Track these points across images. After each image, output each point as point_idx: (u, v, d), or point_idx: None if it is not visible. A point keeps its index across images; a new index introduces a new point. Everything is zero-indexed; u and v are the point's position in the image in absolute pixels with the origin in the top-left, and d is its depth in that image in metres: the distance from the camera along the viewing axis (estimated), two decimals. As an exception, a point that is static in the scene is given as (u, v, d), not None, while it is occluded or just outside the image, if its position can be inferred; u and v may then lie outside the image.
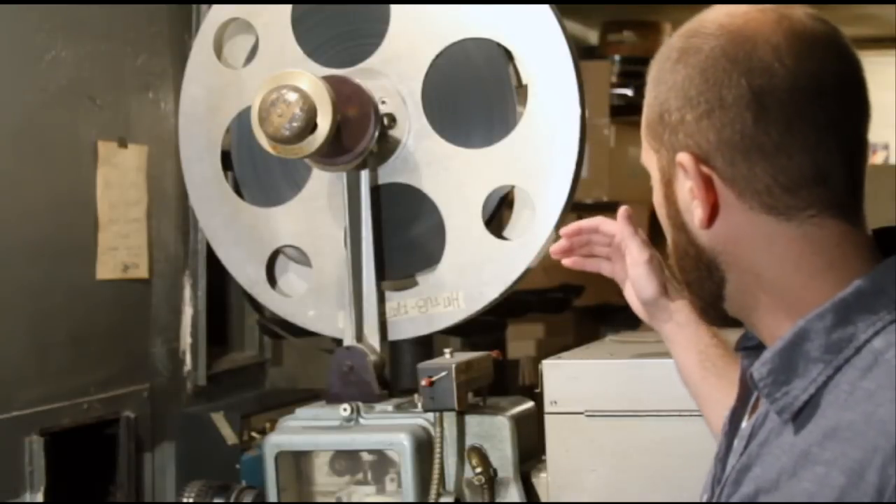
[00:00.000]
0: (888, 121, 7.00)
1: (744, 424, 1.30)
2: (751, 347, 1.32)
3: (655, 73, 1.26)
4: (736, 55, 1.18)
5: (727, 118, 1.18)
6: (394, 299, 2.17)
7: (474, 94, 2.11)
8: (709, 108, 1.19)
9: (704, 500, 1.34)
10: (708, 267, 1.24)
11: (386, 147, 2.13)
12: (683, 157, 1.20)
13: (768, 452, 1.18)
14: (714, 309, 1.28)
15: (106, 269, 2.42)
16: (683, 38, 1.23)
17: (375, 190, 2.13)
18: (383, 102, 2.13)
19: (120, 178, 2.45)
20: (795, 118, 1.17)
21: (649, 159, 1.28)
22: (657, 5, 5.51)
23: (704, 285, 1.26)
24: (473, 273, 2.11)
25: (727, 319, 1.30)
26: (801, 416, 1.15)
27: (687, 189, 1.22)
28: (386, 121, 2.12)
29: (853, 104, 1.20)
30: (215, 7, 2.28)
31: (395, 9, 2.14)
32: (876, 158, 8.45)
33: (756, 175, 1.19)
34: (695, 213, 1.21)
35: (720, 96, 1.19)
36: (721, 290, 1.25)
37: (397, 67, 2.14)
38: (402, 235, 2.15)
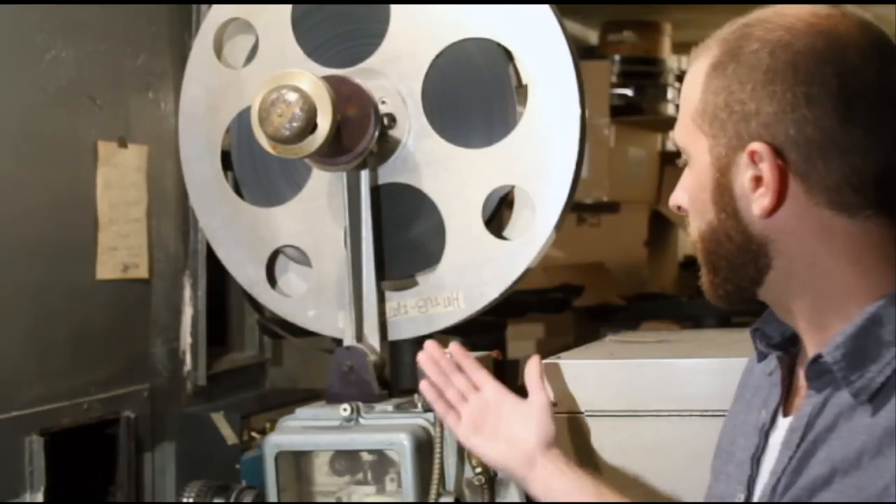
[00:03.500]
0: (888, 121, 6.99)
1: (782, 420, 1.31)
2: (777, 345, 1.35)
3: (721, 57, 1.26)
4: (829, 56, 1.21)
5: (812, 115, 1.21)
6: (394, 299, 2.16)
7: (474, 94, 2.11)
8: (794, 103, 1.21)
9: (741, 500, 1.34)
10: (755, 254, 1.26)
11: (386, 147, 2.13)
12: (760, 147, 1.22)
13: (838, 436, 1.20)
14: (741, 293, 1.30)
15: (106, 269, 2.42)
16: (764, 30, 1.24)
17: (375, 190, 2.13)
18: (383, 102, 2.13)
19: (120, 178, 2.45)
20: (878, 122, 1.21)
21: (694, 143, 1.28)
22: (657, 5, 5.50)
23: (742, 271, 1.28)
24: (473, 273, 2.11)
25: (747, 303, 1.32)
26: (878, 397, 1.18)
27: (748, 177, 1.24)
28: (386, 121, 2.11)
29: None
30: (215, 7, 2.28)
31: (395, 9, 2.14)
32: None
33: (830, 172, 1.22)
34: (757, 202, 1.24)
35: (809, 93, 1.21)
36: (762, 276, 1.27)
37: (397, 67, 2.14)
38: (402, 235, 2.15)
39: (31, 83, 2.26)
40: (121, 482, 2.43)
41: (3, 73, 2.19)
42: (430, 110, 2.12)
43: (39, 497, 2.19)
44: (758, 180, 1.24)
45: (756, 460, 1.33)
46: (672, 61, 5.65)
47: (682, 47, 5.80)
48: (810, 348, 1.29)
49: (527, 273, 2.09)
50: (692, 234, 1.34)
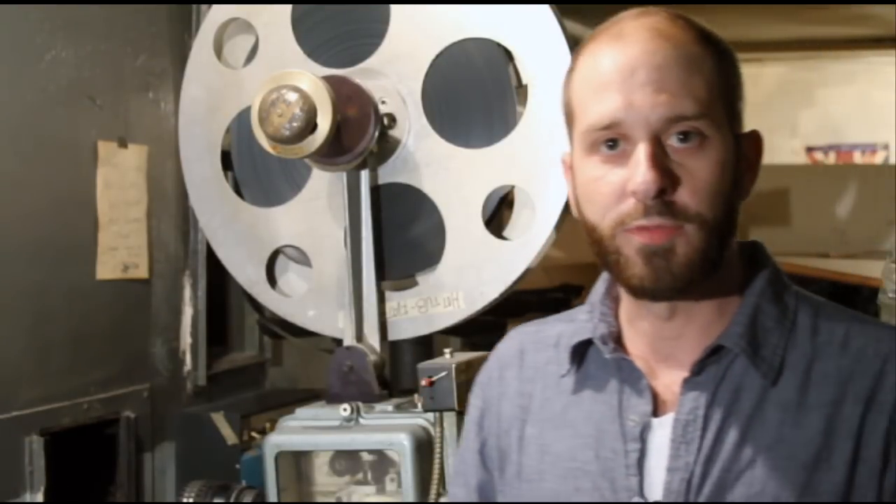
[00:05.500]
0: (888, 121, 6.98)
1: (657, 420, 1.32)
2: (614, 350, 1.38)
3: (716, 48, 1.34)
4: None
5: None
6: (394, 299, 2.17)
7: (474, 94, 2.12)
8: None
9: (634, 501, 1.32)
10: (730, 235, 1.34)
11: (386, 147, 2.13)
12: (755, 133, 1.36)
13: (748, 417, 1.29)
14: (703, 280, 1.33)
15: (106, 269, 2.42)
16: (716, 38, 1.35)
17: (375, 190, 2.14)
18: (383, 102, 2.13)
19: (120, 178, 2.45)
20: None
21: (716, 121, 1.31)
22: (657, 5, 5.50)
23: (726, 256, 1.33)
24: (473, 273, 2.11)
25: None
26: (781, 375, 1.31)
27: (745, 158, 1.35)
28: (386, 121, 2.12)
29: None
30: (215, 7, 2.28)
31: (395, 9, 2.14)
32: (876, 158, 8.44)
33: None
34: (747, 182, 1.35)
35: None
36: (722, 259, 1.33)
37: (397, 67, 2.14)
38: (402, 235, 2.15)
39: (31, 83, 2.26)
40: (121, 482, 2.43)
41: (3, 73, 2.19)
42: (430, 110, 2.12)
43: (39, 497, 2.20)
44: (749, 162, 1.36)
45: (639, 466, 1.32)
46: (672, 61, 5.64)
47: (682, 47, 5.78)
48: (687, 343, 1.33)
49: (527, 273, 2.10)
50: (701, 216, 1.30)
